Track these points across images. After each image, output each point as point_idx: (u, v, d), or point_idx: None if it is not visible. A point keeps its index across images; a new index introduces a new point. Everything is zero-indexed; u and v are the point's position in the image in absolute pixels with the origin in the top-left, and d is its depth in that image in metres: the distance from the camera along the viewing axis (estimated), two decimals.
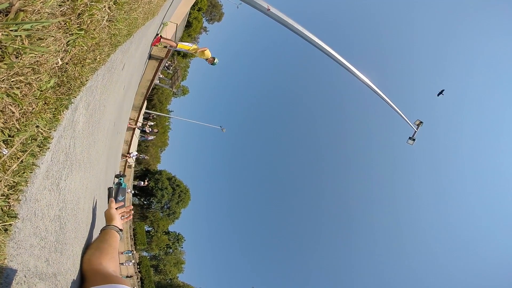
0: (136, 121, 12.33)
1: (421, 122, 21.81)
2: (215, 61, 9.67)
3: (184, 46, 9.67)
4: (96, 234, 1.87)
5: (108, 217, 1.57)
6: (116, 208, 1.72)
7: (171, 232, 50.91)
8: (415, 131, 22.00)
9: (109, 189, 4.00)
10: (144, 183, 33.98)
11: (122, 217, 1.70)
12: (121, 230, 1.52)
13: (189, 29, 44.32)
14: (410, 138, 22.19)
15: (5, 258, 0.65)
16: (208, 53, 9.53)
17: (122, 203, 1.67)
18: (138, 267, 34.75)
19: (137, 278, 32.02)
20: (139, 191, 42.72)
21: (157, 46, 9.67)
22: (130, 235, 32.60)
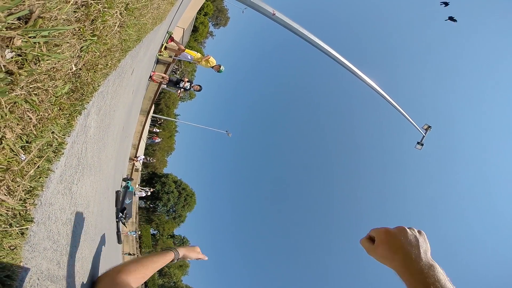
0: (165, 73, 11.17)
1: (429, 127, 21.44)
2: (221, 69, 9.66)
3: (191, 52, 9.75)
4: (104, 236, 1.88)
5: (189, 248, 1.52)
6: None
7: (176, 235, 50.93)
8: (423, 136, 21.64)
9: (117, 192, 4.03)
10: (148, 192, 33.47)
11: (198, 259, 1.63)
12: (179, 258, 1.45)
13: (196, 33, 44.74)
14: (418, 143, 21.80)
15: (20, 261, 0.66)
16: (212, 60, 9.52)
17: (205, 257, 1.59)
18: None
19: None
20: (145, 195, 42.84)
21: (162, 54, 9.75)
22: (136, 238, 32.69)
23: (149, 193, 32.76)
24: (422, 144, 21.74)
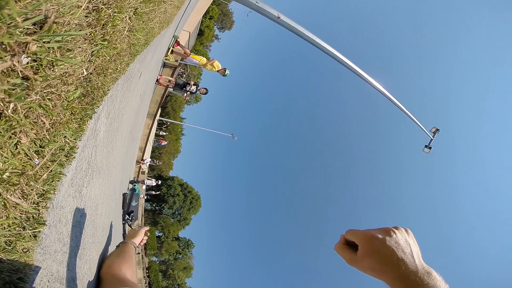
0: (171, 76, 11.16)
1: (437, 130, 21.22)
2: (226, 73, 9.74)
3: (196, 57, 9.84)
4: (111, 239, 1.90)
5: (133, 235, 1.62)
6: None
7: (181, 238, 51.01)
8: (431, 139, 21.41)
9: (124, 194, 4.05)
10: (155, 183, 33.29)
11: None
12: (136, 248, 1.57)
13: (201, 37, 45.06)
14: (426, 146, 21.58)
15: (32, 264, 0.67)
16: (217, 64, 9.60)
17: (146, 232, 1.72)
18: (147, 271, 34.83)
19: (145, 283, 32.04)
20: (151, 197, 43.05)
21: (168, 59, 9.85)
22: None
23: (159, 182, 32.70)
24: (430, 148, 21.52)
